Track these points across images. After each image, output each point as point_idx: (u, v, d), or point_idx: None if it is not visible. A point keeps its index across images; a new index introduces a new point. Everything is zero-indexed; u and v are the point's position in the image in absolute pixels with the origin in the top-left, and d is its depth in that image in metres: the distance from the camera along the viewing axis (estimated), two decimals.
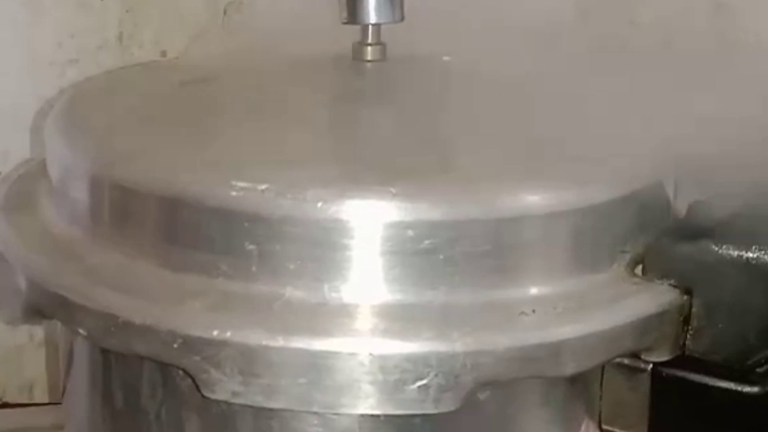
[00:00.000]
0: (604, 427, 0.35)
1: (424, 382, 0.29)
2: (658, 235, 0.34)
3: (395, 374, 0.29)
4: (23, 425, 0.61)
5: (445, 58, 0.43)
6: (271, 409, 0.30)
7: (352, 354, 0.29)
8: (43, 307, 0.32)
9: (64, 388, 0.38)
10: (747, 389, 0.32)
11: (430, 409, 0.29)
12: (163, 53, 0.62)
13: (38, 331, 0.65)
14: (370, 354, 0.29)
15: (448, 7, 0.62)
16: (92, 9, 0.61)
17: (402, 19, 0.38)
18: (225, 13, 0.64)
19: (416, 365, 0.29)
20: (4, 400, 0.66)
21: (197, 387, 0.30)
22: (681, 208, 0.36)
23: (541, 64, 0.43)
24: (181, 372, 0.31)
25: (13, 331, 0.65)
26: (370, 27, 0.38)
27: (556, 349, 0.30)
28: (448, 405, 0.29)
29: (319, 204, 0.30)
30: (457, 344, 0.29)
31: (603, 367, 0.33)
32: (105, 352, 0.34)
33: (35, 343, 0.66)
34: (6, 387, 0.67)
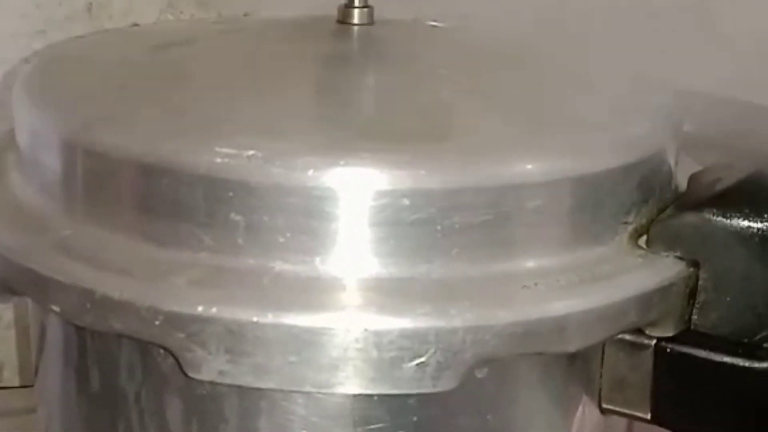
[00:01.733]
0: (604, 406, 0.33)
1: (422, 359, 0.27)
2: (662, 206, 0.33)
3: (391, 351, 0.27)
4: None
5: (434, 22, 0.41)
6: (259, 390, 0.29)
7: (346, 330, 0.27)
8: (13, 283, 0.30)
9: (36, 369, 0.36)
10: (756, 365, 0.31)
11: (428, 388, 0.27)
12: (134, 24, 0.60)
13: (6, 313, 0.64)
14: (365, 330, 0.27)
15: None
16: None
17: None
18: None
19: (414, 342, 0.27)
20: None
21: (180, 367, 0.28)
22: (682, 178, 0.35)
23: (534, 31, 0.42)
24: (162, 351, 0.29)
25: None
26: None
27: (559, 324, 0.28)
28: (447, 383, 0.28)
29: (311, 172, 0.28)
30: (456, 320, 0.27)
31: (603, 344, 0.32)
32: (80, 330, 0.32)
33: (3, 325, 0.64)
34: None
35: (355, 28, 0.37)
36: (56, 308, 0.29)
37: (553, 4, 0.65)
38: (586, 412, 0.34)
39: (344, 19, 0.37)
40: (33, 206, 0.32)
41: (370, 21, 0.37)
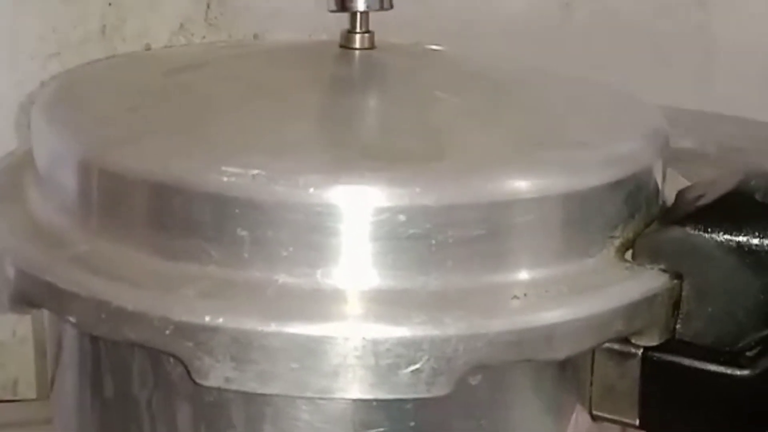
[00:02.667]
0: (595, 412, 0.35)
1: (417, 366, 0.29)
2: (648, 221, 0.34)
3: (388, 358, 0.29)
4: (10, 420, 0.60)
5: (434, 47, 0.43)
6: (264, 396, 0.30)
7: (346, 338, 0.29)
8: (31, 295, 0.32)
9: (53, 380, 0.37)
10: (738, 372, 0.33)
11: (423, 393, 0.29)
12: (147, 46, 0.62)
13: (21, 327, 0.65)
14: (363, 338, 0.29)
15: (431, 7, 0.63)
16: (75, 2, 0.61)
17: (391, 6, 0.38)
18: (208, 6, 0.64)
19: (409, 349, 0.29)
20: None
21: (189, 374, 0.29)
22: (670, 194, 0.37)
23: (529, 55, 0.43)
24: (172, 360, 0.31)
25: None
26: (359, 15, 0.38)
27: (548, 333, 0.30)
28: (440, 389, 0.29)
29: (311, 189, 0.29)
30: (449, 328, 0.29)
31: (593, 353, 0.34)
32: (94, 341, 0.33)
33: (18, 339, 0.65)
34: None
35: (357, 52, 0.39)
36: (73, 319, 0.31)
37: (554, 25, 0.67)
38: (578, 419, 0.35)
39: (346, 43, 0.39)
40: (50, 223, 0.33)
41: (371, 45, 0.39)
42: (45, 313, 0.36)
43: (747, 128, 0.65)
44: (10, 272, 0.33)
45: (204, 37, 0.63)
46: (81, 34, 0.61)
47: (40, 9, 0.60)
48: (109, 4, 0.62)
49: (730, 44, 0.72)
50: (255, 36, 0.62)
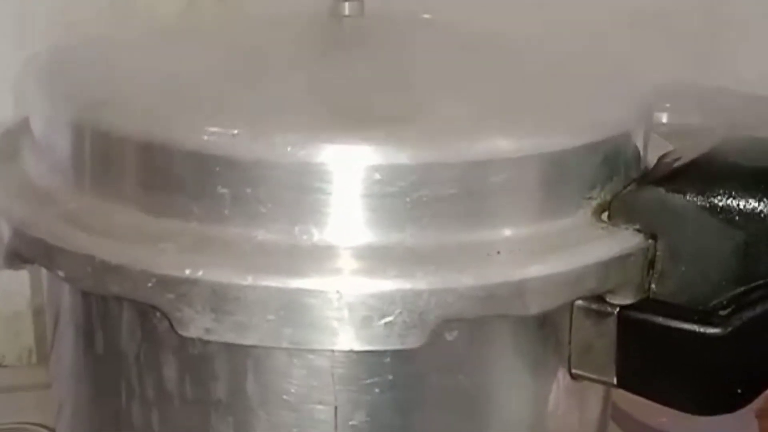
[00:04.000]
0: (574, 371, 0.36)
1: (389, 318, 0.30)
2: (627, 184, 0.35)
3: (362, 311, 0.30)
4: (18, 384, 0.62)
5: (425, 15, 0.43)
6: (245, 349, 0.31)
7: (320, 291, 0.30)
8: (24, 251, 0.33)
9: (51, 343, 0.39)
10: (710, 330, 0.33)
11: (395, 345, 0.30)
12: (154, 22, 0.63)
13: (36, 298, 0.67)
14: (338, 291, 0.29)
15: None
16: None
17: None
18: None
19: (382, 302, 0.30)
20: (4, 364, 0.68)
21: (171, 325, 0.30)
22: (652, 159, 0.37)
23: (519, 23, 0.44)
24: (158, 315, 0.32)
25: (10, 298, 0.66)
26: None
27: (519, 288, 0.31)
28: (413, 341, 0.30)
29: (289, 148, 0.30)
30: (421, 282, 0.30)
31: (571, 313, 0.34)
32: (87, 300, 0.35)
33: (33, 309, 0.67)
34: (5, 353, 0.68)
35: (345, 20, 0.39)
36: (61, 273, 0.32)
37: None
38: (558, 377, 0.36)
39: (336, 11, 0.40)
40: (43, 183, 0.35)
41: (360, 13, 0.40)
42: (44, 278, 0.38)
43: (755, 104, 0.65)
44: (5, 230, 0.34)
45: (213, 12, 0.64)
46: (90, 12, 0.62)
47: None
48: None
49: (737, 18, 0.72)
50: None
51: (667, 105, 0.62)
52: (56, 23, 0.61)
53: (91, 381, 0.36)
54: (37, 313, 0.67)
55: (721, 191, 0.32)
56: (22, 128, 0.38)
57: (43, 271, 0.36)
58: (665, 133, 0.50)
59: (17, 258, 0.34)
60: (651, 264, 0.33)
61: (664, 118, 0.63)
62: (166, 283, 0.30)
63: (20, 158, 0.37)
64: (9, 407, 0.59)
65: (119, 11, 0.63)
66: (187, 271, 0.30)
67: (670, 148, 0.39)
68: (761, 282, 0.33)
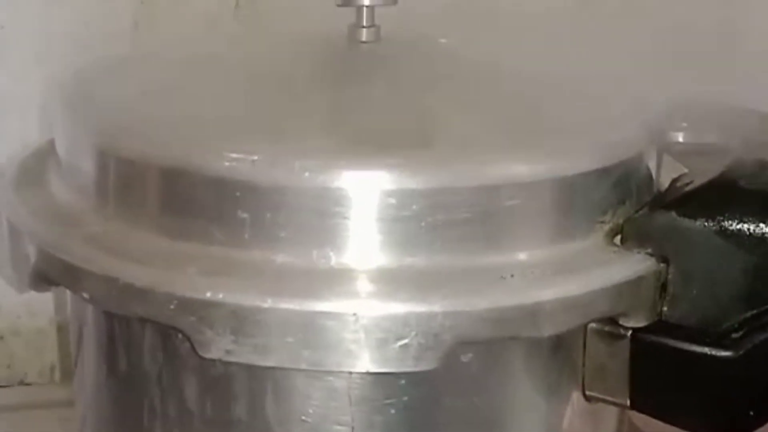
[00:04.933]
0: (588, 393, 0.36)
1: (405, 341, 0.30)
2: (639, 207, 0.35)
3: (377, 333, 0.30)
4: (41, 401, 0.63)
5: (441, 40, 0.44)
6: (265, 370, 0.32)
7: (338, 314, 0.30)
8: (49, 273, 0.34)
9: (75, 362, 0.40)
10: (722, 353, 0.34)
11: (410, 367, 0.30)
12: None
13: (59, 315, 0.67)
14: (354, 314, 0.30)
15: None
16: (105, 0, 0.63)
17: (395, 1, 0.39)
18: (237, 4, 0.66)
19: (397, 325, 0.30)
20: (26, 382, 0.68)
21: (193, 347, 0.31)
22: (665, 182, 0.38)
23: (535, 47, 0.45)
24: (180, 336, 0.33)
25: (33, 315, 0.67)
26: (365, 9, 0.40)
27: (532, 311, 0.31)
28: (428, 363, 0.31)
29: (307, 174, 0.31)
30: (435, 305, 0.30)
31: (585, 334, 0.35)
32: (109, 319, 0.36)
33: (56, 326, 0.68)
34: (28, 370, 0.69)
35: (362, 45, 0.40)
36: (86, 295, 0.33)
37: (574, 17, 0.68)
38: (572, 399, 0.36)
39: (353, 37, 0.40)
40: (68, 205, 0.36)
41: (377, 39, 0.41)
42: (68, 298, 0.39)
43: None
44: (32, 252, 0.35)
45: (231, 35, 0.64)
46: (112, 30, 0.63)
47: (72, 6, 0.62)
48: (141, 2, 0.64)
49: (755, 38, 0.72)
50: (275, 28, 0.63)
51: (684, 124, 0.63)
52: (78, 42, 0.62)
53: (113, 400, 0.37)
54: (61, 330, 0.68)
55: (731, 215, 0.33)
56: (47, 150, 0.39)
57: (68, 292, 0.37)
58: (681, 152, 0.50)
59: (43, 280, 0.35)
60: (663, 287, 0.34)
61: (680, 137, 0.63)
62: (187, 305, 0.31)
63: (46, 180, 0.38)
64: (31, 425, 0.60)
65: (141, 30, 0.64)
66: (208, 294, 0.31)
67: (684, 170, 0.40)
68: None
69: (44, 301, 0.66)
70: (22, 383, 0.68)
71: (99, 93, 0.38)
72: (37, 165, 0.39)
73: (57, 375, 0.69)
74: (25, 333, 0.68)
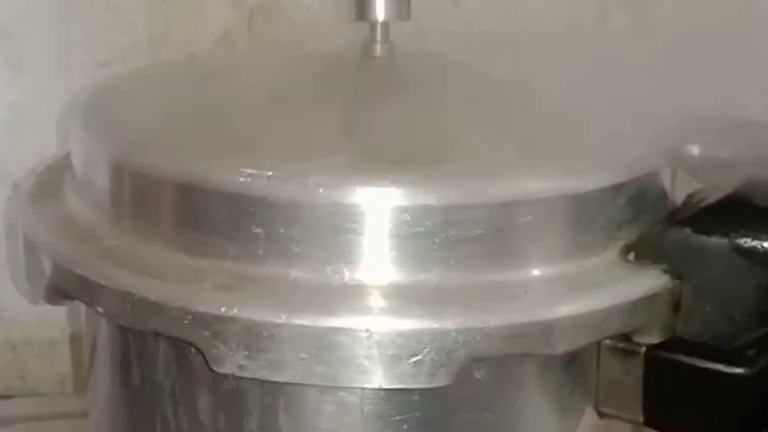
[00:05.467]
0: (602, 409, 0.36)
1: (418, 357, 0.30)
2: (654, 224, 0.35)
3: (391, 350, 0.30)
4: (53, 411, 0.63)
5: (455, 56, 0.44)
6: (278, 385, 0.32)
7: (351, 330, 0.30)
8: (65, 287, 0.34)
9: (88, 373, 0.40)
10: (736, 370, 0.33)
11: (424, 383, 0.31)
12: (191, 55, 0.64)
13: (71, 326, 0.68)
14: (367, 330, 0.30)
15: (467, 12, 0.64)
16: (122, 12, 0.63)
17: (408, 17, 0.40)
18: (252, 15, 0.66)
19: (410, 341, 0.30)
20: (39, 392, 0.69)
21: (206, 361, 0.31)
22: (679, 198, 0.38)
23: (548, 64, 0.45)
24: (193, 350, 0.33)
25: (45, 326, 0.68)
26: (379, 25, 0.40)
27: (545, 328, 0.31)
28: (441, 380, 0.31)
29: (321, 190, 0.31)
30: (448, 322, 0.30)
31: (598, 351, 0.35)
32: (124, 333, 0.36)
33: (67, 338, 0.68)
34: (40, 380, 0.69)
35: (377, 61, 0.40)
36: (101, 309, 0.33)
37: (589, 32, 0.68)
38: (585, 415, 0.36)
39: (367, 52, 0.41)
40: (84, 220, 0.36)
41: (391, 54, 0.41)
42: (82, 309, 0.39)
43: None
44: (47, 265, 0.35)
45: (246, 46, 0.65)
46: (128, 43, 0.63)
47: (89, 20, 0.62)
48: (156, 14, 0.64)
49: None
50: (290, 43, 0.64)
51: (699, 137, 0.63)
52: (95, 55, 0.62)
53: (127, 412, 0.37)
54: (74, 340, 0.68)
55: (746, 232, 0.33)
56: (64, 164, 0.39)
57: (82, 305, 0.37)
58: (695, 167, 0.50)
59: (58, 293, 0.35)
60: (677, 304, 0.34)
61: (695, 151, 0.63)
62: (201, 320, 0.31)
63: (62, 194, 0.38)
64: None
65: (155, 43, 0.64)
66: (223, 309, 0.31)
67: (698, 185, 0.40)
68: None
69: (57, 312, 0.66)
70: (34, 394, 0.68)
71: (115, 108, 0.38)
72: (54, 179, 0.39)
73: (69, 386, 0.69)
74: (38, 344, 0.68)
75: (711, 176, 0.40)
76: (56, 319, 0.67)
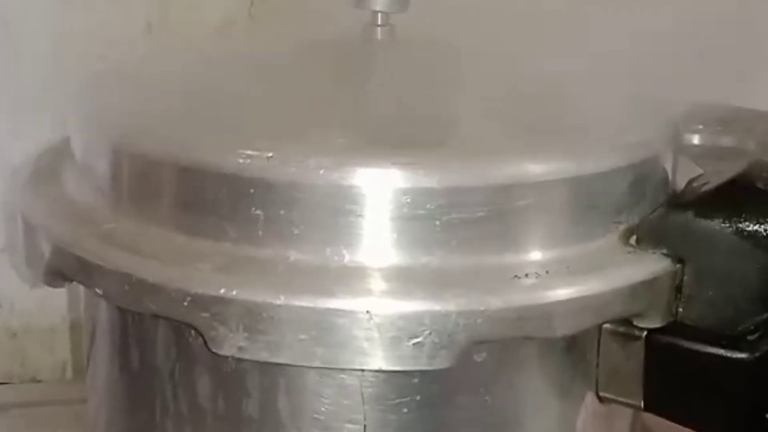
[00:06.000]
0: (602, 394, 0.36)
1: (418, 339, 0.30)
2: (655, 208, 0.35)
3: (391, 332, 0.30)
4: (53, 398, 0.63)
5: (456, 40, 0.44)
6: (277, 367, 0.32)
7: (350, 312, 0.30)
8: (63, 269, 0.34)
9: (88, 358, 0.40)
10: (737, 355, 0.33)
11: (424, 366, 0.30)
12: (192, 42, 0.64)
13: (71, 312, 0.68)
14: (367, 312, 0.30)
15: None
16: (120, 4, 0.63)
17: (406, 9, 0.39)
18: (252, 2, 0.66)
19: (411, 323, 0.30)
20: (38, 379, 0.69)
21: (206, 343, 0.31)
22: (681, 183, 0.37)
23: (552, 47, 0.44)
24: (192, 332, 0.33)
25: (45, 313, 0.68)
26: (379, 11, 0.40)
27: (546, 311, 0.31)
28: (442, 362, 0.30)
29: (321, 171, 0.31)
30: (449, 304, 0.30)
31: (599, 335, 0.35)
32: (123, 315, 0.36)
33: (67, 325, 0.68)
34: (40, 367, 0.69)
35: (378, 45, 0.40)
36: (99, 291, 0.33)
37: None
38: (585, 400, 0.36)
39: (367, 37, 0.40)
40: (83, 203, 0.36)
41: (391, 39, 0.40)
42: (81, 293, 0.39)
43: None
44: (46, 248, 0.35)
45: (247, 33, 0.65)
46: (127, 32, 0.63)
47: (87, 7, 0.62)
48: (155, 3, 0.64)
49: None
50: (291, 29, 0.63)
51: (700, 127, 0.63)
52: (93, 42, 0.62)
53: (126, 396, 0.37)
54: (74, 327, 0.68)
55: (748, 216, 0.33)
56: (63, 148, 0.39)
57: (81, 288, 0.37)
58: (697, 155, 0.50)
59: (57, 276, 0.35)
60: (678, 288, 0.34)
61: (696, 140, 0.63)
62: (201, 301, 0.31)
63: (61, 177, 0.38)
64: (45, 421, 0.60)
65: (155, 31, 0.64)
66: (222, 291, 0.30)
67: (699, 171, 0.39)
68: None
69: (56, 299, 0.66)
70: (34, 380, 0.68)
71: (114, 92, 0.38)
72: (52, 163, 0.39)
73: (69, 372, 0.69)
74: (38, 331, 0.68)
75: (712, 165, 0.39)
76: (56, 306, 0.67)
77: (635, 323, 0.34)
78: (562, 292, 0.31)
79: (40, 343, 0.68)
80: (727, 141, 0.63)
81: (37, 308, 0.67)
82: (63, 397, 0.62)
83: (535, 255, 0.32)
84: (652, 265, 0.33)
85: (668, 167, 0.37)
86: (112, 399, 0.38)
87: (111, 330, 0.37)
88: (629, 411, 0.37)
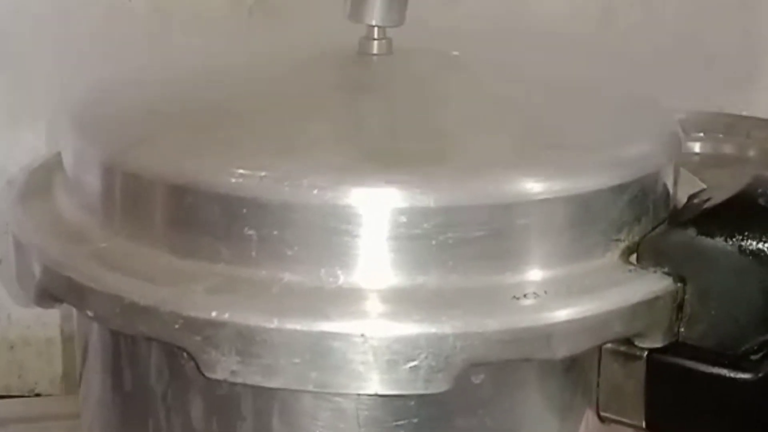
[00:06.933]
0: (602, 414, 0.35)
1: (415, 363, 0.30)
2: (656, 225, 0.34)
3: (387, 355, 0.30)
4: (52, 412, 0.63)
5: (454, 53, 0.43)
6: (271, 390, 0.32)
7: (345, 335, 0.30)
8: (54, 289, 0.34)
9: (80, 376, 0.39)
10: (740, 376, 0.33)
11: (421, 389, 0.30)
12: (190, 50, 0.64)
13: (68, 325, 0.67)
14: (362, 335, 0.29)
15: (467, 8, 0.63)
16: (120, 10, 0.63)
17: (402, 23, 0.39)
18: (250, 13, 0.66)
19: (407, 346, 0.29)
20: (36, 392, 0.68)
21: (198, 367, 0.31)
22: (682, 198, 0.37)
23: (549, 62, 0.44)
24: (185, 354, 0.32)
25: (43, 325, 0.67)
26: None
27: (545, 332, 0.31)
28: (439, 386, 0.30)
29: (315, 191, 0.31)
30: (446, 326, 0.30)
31: (599, 355, 0.34)
32: (115, 337, 0.35)
33: (65, 337, 0.68)
34: (38, 380, 0.69)
35: (374, 58, 0.40)
36: (90, 313, 0.32)
37: (594, 31, 0.67)
38: (586, 420, 0.35)
39: (364, 50, 0.40)
40: (74, 221, 0.35)
41: (388, 51, 0.40)
42: (74, 312, 0.38)
43: None
44: (36, 268, 0.34)
45: (245, 43, 0.64)
46: (126, 41, 0.62)
47: (87, 18, 0.62)
48: (154, 12, 0.64)
49: None
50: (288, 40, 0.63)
51: (700, 134, 0.62)
52: (93, 52, 0.62)
53: (118, 417, 0.36)
54: (68, 341, 0.67)
55: (751, 234, 0.32)
56: (54, 164, 0.39)
57: (74, 309, 0.36)
58: (697, 163, 0.49)
59: (48, 296, 0.34)
60: (680, 307, 0.33)
61: (697, 148, 0.62)
62: (192, 325, 0.30)
63: (52, 194, 0.37)
64: None
65: (153, 42, 0.64)
66: (214, 314, 0.30)
67: (701, 185, 0.39)
68: None
69: (54, 311, 0.66)
70: (32, 393, 0.68)
71: (106, 108, 0.37)
72: (44, 179, 0.38)
73: (67, 385, 0.69)
74: (36, 343, 0.68)
75: (713, 174, 0.39)
76: (54, 318, 0.67)
77: (636, 343, 0.33)
78: (562, 314, 0.31)
79: (38, 355, 0.68)
80: (727, 148, 0.63)
81: (35, 320, 0.67)
82: (60, 411, 0.61)
83: (534, 275, 0.32)
84: (653, 284, 0.33)
85: (669, 182, 0.36)
86: (104, 418, 0.37)
87: (103, 350, 0.36)
88: (630, 430, 0.37)
